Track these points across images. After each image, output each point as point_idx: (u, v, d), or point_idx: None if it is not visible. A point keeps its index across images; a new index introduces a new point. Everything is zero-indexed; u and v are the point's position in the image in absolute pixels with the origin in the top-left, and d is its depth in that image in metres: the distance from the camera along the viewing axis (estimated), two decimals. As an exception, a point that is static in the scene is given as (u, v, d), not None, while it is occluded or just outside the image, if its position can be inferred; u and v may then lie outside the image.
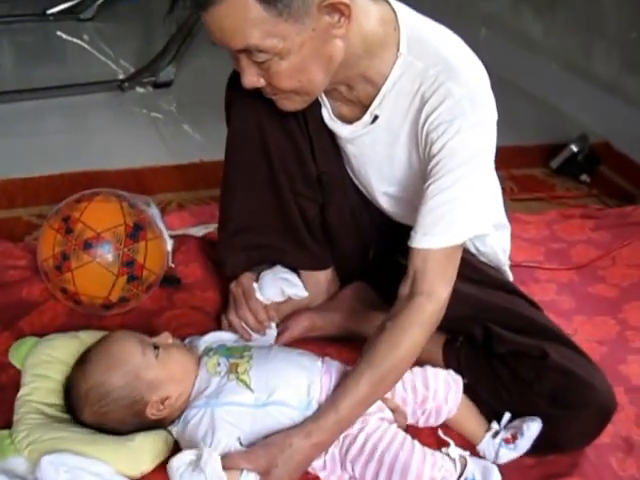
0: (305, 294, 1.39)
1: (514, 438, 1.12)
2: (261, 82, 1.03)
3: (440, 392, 1.15)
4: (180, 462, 1.00)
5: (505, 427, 1.15)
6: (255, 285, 1.35)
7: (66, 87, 2.48)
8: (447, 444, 1.10)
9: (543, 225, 1.83)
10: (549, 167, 2.20)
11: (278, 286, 1.36)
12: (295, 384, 1.10)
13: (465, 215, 1.07)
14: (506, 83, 2.78)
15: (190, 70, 2.63)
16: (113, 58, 2.88)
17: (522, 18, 2.86)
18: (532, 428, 1.12)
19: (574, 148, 2.16)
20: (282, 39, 0.95)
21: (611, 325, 1.49)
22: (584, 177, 2.15)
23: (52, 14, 3.17)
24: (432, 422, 1.17)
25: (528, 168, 2.21)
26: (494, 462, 1.13)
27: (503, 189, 1.98)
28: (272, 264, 1.40)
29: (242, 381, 1.10)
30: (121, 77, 2.65)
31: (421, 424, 1.17)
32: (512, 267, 1.42)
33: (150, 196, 1.86)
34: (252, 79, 1.02)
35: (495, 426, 1.15)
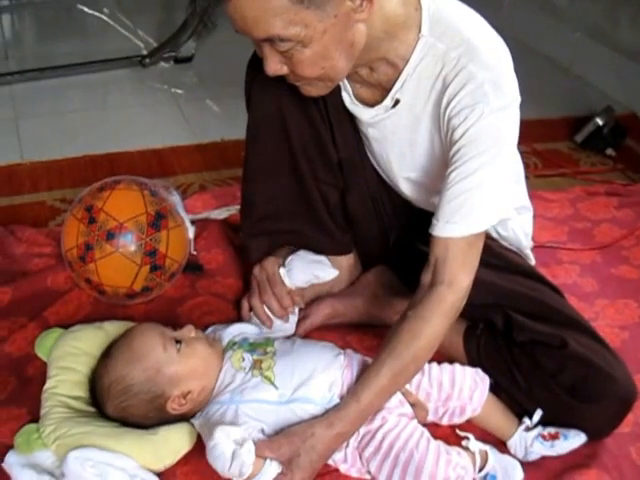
0: (336, 273, 1.37)
1: (554, 437, 1.12)
2: (284, 69, 1.02)
3: (465, 391, 1.15)
4: (223, 435, 1.02)
5: (543, 426, 1.15)
6: (282, 270, 1.33)
7: (87, 64, 2.47)
8: (468, 437, 1.12)
9: (567, 203, 1.81)
10: (574, 141, 2.16)
11: (309, 271, 1.34)
12: (318, 380, 1.11)
13: (487, 202, 1.06)
14: (529, 51, 2.74)
15: (211, 44, 2.60)
16: (134, 31, 2.86)
17: (547, -17, 2.79)
18: (577, 439, 1.12)
19: (599, 121, 2.12)
20: (304, 27, 0.94)
21: (633, 309, 1.48)
22: (609, 151, 2.11)
23: (72, -14, 3.14)
24: (455, 420, 1.17)
25: (552, 142, 2.17)
26: (524, 457, 1.14)
27: (527, 165, 1.98)
28: (293, 249, 1.39)
29: (266, 378, 1.11)
30: (142, 50, 2.64)
31: (444, 422, 1.18)
32: (535, 248, 1.41)
33: (172, 177, 1.90)
34: (275, 67, 1.02)
35: (527, 421, 1.15)
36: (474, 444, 1.10)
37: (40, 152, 1.97)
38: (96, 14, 3.02)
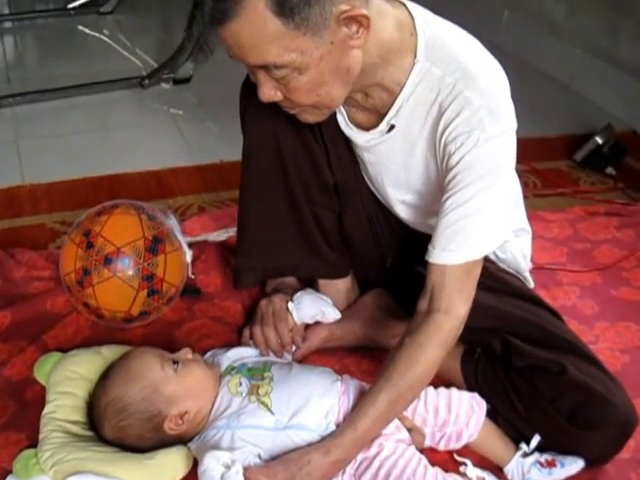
0: (339, 316, 1.38)
1: (551, 464, 1.11)
2: (278, 96, 1.02)
3: (462, 416, 1.15)
4: (212, 460, 1.02)
5: (540, 452, 1.14)
6: (291, 305, 1.34)
7: (87, 85, 2.49)
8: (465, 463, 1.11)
9: (566, 224, 1.81)
10: (573, 160, 2.16)
11: (317, 307, 1.36)
12: (315, 408, 1.11)
13: (484, 230, 1.06)
14: (528, 68, 2.75)
15: (209, 65, 2.60)
16: (133, 51, 2.88)
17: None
18: (575, 465, 1.11)
19: (599, 140, 2.12)
20: (300, 53, 0.94)
21: (634, 331, 1.47)
22: (609, 170, 2.11)
23: (73, 8, 3.17)
24: (452, 446, 1.17)
25: (551, 161, 2.17)
26: None
27: (526, 184, 1.98)
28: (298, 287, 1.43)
29: (263, 404, 1.11)
30: (142, 71, 2.66)
31: (441, 447, 1.17)
32: (534, 270, 1.40)
33: (171, 199, 1.90)
34: (269, 93, 1.01)
35: (524, 447, 1.14)
36: (472, 470, 1.10)
37: (41, 174, 1.98)
38: (97, 35, 3.06)
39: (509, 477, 1.14)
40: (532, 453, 1.14)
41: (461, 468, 1.11)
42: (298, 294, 1.37)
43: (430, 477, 1.06)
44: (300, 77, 0.97)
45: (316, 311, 1.35)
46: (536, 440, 1.14)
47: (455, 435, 1.15)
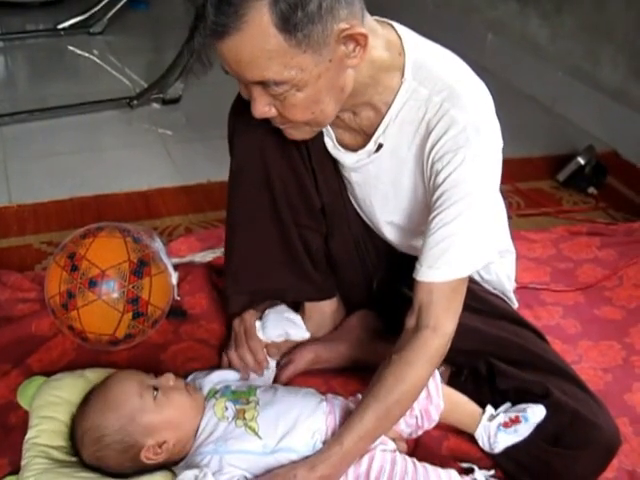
0: (307, 336, 1.39)
1: (515, 422, 1.10)
2: (272, 112, 1.01)
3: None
4: (188, 471, 1.05)
5: (506, 412, 1.13)
6: (258, 323, 1.35)
7: (75, 106, 2.50)
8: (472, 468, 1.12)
9: (549, 243, 1.82)
10: (556, 180, 2.19)
11: (282, 327, 1.36)
12: (302, 430, 1.11)
13: (470, 248, 1.06)
14: (512, 89, 2.79)
15: (198, 86, 2.63)
16: (123, 71, 2.90)
17: (529, 23, 2.84)
18: (537, 414, 1.10)
19: (581, 161, 2.15)
20: (300, 71, 0.94)
21: (617, 350, 1.48)
22: (591, 190, 2.14)
23: (63, 29, 3.19)
24: (427, 425, 1.17)
25: (535, 181, 2.20)
26: (490, 449, 1.12)
27: (509, 204, 2.00)
28: (274, 302, 1.41)
29: (250, 428, 1.11)
30: (131, 91, 2.67)
31: (420, 432, 1.17)
32: (518, 289, 1.41)
33: (158, 219, 1.91)
34: (263, 110, 1.01)
35: (490, 410, 1.13)
36: (480, 474, 1.10)
37: (28, 194, 1.98)
38: (86, 55, 3.07)
39: (480, 443, 1.14)
40: (497, 415, 1.13)
41: (470, 476, 1.12)
42: (266, 312, 1.37)
43: (420, 472, 1.08)
44: (297, 94, 0.97)
45: (281, 331, 1.36)
46: (506, 406, 1.13)
47: (424, 412, 1.15)
